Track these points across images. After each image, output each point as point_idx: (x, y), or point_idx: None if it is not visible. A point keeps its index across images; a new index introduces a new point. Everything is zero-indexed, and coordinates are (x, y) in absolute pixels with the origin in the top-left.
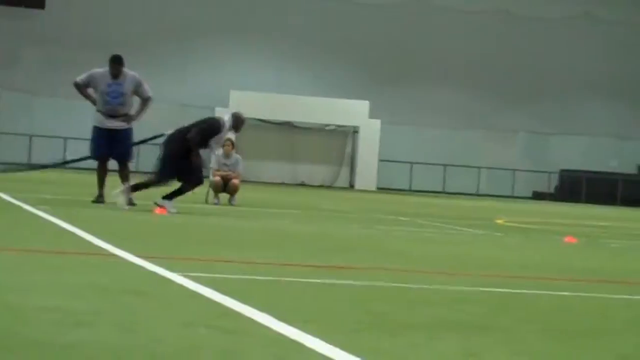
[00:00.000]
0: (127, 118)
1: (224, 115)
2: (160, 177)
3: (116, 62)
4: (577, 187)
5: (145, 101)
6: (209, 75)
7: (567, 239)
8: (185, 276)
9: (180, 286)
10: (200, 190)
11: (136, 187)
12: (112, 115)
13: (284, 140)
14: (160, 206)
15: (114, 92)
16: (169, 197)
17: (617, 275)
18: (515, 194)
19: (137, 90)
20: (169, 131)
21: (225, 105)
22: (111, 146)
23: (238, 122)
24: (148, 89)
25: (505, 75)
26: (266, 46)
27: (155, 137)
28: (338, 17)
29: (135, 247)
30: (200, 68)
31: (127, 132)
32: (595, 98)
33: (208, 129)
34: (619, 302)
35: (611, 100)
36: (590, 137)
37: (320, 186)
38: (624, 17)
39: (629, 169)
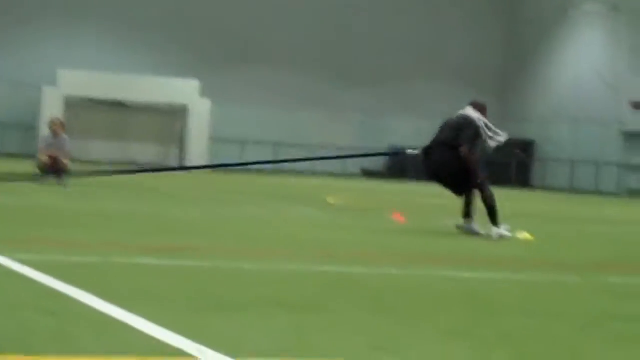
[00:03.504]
0: None
1: (468, 112)
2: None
3: None
4: (405, 164)
5: None
6: (36, 54)
7: (395, 217)
8: (12, 258)
9: (7, 269)
10: (28, 171)
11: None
12: None
13: (113, 120)
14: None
15: None
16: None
17: (445, 253)
18: (348, 172)
19: None
20: (417, 150)
21: (53, 84)
22: None
23: (483, 109)
24: None
25: (339, 57)
26: (96, 24)
27: (396, 154)
28: None
29: None
30: (27, 47)
31: None
32: (427, 79)
33: (474, 134)
34: (446, 280)
35: (442, 81)
36: (421, 118)
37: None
38: (460, 1)
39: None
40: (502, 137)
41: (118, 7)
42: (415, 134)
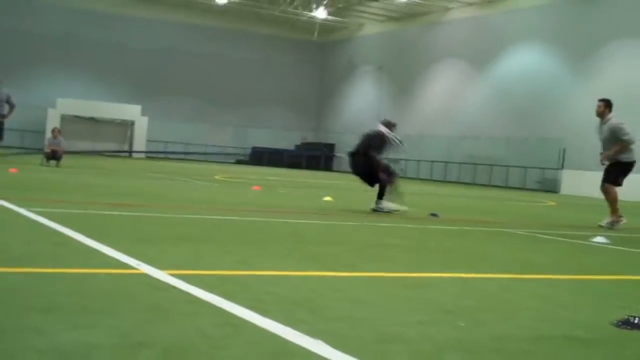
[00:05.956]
0: (2, 116)
1: (379, 127)
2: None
3: None
4: (261, 157)
5: (12, 107)
6: (44, 87)
7: (254, 187)
8: (29, 210)
9: (26, 217)
10: (36, 160)
11: (380, 196)
12: None
13: (90, 128)
14: (380, 210)
15: None
16: (381, 196)
17: (280, 207)
18: (227, 160)
19: (8, 100)
20: (343, 154)
21: (53, 106)
22: None
23: (390, 125)
24: (14, 99)
25: (222, 90)
26: (80, 70)
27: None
28: (137, 51)
29: None
30: (38, 82)
31: (1, 125)
32: (272, 104)
33: (386, 143)
34: (283, 223)
35: (281, 105)
36: (270, 129)
37: (110, 155)
38: (290, 58)
39: (290, 146)
40: (400, 144)
41: (94, 60)
42: (267, 139)
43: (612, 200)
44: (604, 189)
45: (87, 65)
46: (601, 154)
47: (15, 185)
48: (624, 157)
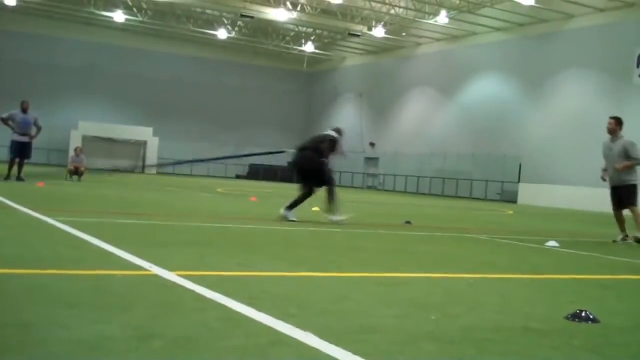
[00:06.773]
0: (30, 137)
1: (329, 132)
2: (313, 187)
3: (26, 102)
4: (258, 172)
5: (39, 129)
6: (67, 111)
7: (251, 198)
8: (53, 219)
9: (51, 225)
10: (61, 172)
11: (294, 205)
12: (23, 134)
13: (108, 147)
14: (289, 219)
15: (25, 121)
16: (292, 207)
17: (274, 215)
18: (227, 175)
19: (36, 122)
20: (290, 150)
21: (76, 128)
22: (21, 151)
23: (341, 132)
24: (40, 122)
25: (222, 114)
26: (98, 96)
27: (276, 152)
28: (151, 83)
29: (27, 204)
30: (63, 107)
31: (30, 144)
32: (265, 126)
33: (335, 145)
34: (275, 231)
35: (272, 127)
36: (265, 147)
37: (126, 171)
38: (283, 86)
39: (283, 163)
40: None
41: (112, 87)
42: (262, 156)
43: (637, 217)
44: (629, 211)
45: (106, 92)
46: (604, 170)
47: (42, 197)
48: (632, 180)
